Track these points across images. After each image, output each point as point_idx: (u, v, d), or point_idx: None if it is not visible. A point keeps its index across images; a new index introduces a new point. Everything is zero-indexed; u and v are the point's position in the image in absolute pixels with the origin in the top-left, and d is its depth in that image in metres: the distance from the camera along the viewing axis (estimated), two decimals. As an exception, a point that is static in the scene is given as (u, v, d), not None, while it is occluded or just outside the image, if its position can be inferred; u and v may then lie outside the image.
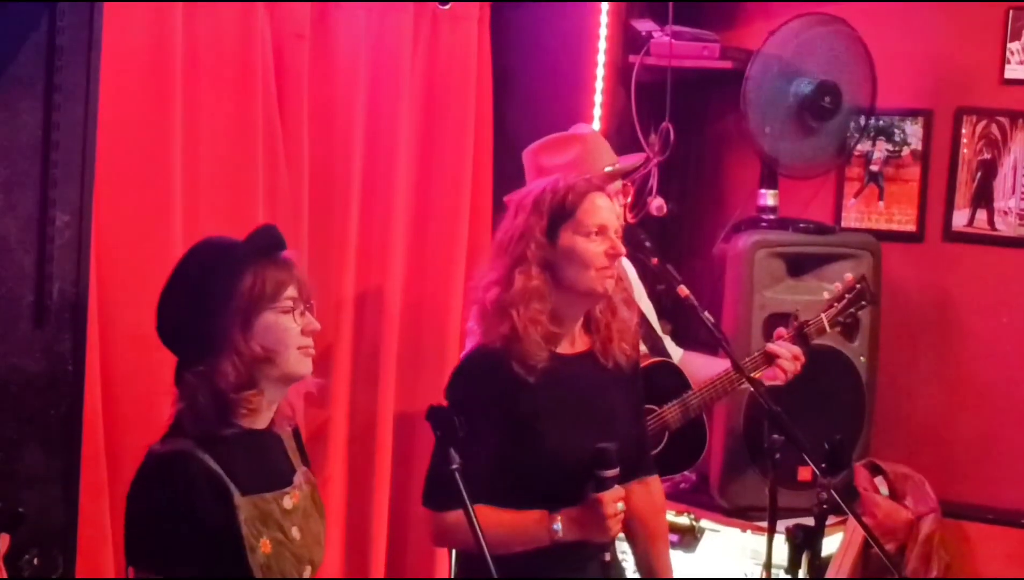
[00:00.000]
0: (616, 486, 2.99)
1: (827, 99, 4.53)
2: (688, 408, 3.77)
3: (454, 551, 3.26)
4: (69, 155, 2.98)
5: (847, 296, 3.86)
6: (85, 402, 3.08)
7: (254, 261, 2.55)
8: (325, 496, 4.04)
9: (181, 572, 2.46)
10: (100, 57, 3.04)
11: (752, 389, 3.49)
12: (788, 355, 3.72)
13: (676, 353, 3.96)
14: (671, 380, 3.80)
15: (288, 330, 2.56)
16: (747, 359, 3.75)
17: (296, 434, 2.77)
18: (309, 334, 2.60)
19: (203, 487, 2.47)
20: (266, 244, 2.60)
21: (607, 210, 3.03)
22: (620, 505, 3.00)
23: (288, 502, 2.62)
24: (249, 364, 2.52)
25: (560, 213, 3.00)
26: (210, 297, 2.52)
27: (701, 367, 3.87)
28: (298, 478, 2.69)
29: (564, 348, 3.07)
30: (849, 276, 3.93)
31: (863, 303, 3.89)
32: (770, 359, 3.74)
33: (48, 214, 2.93)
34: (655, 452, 3.71)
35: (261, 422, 2.61)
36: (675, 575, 4.25)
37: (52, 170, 2.95)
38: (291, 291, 2.57)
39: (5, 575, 2.66)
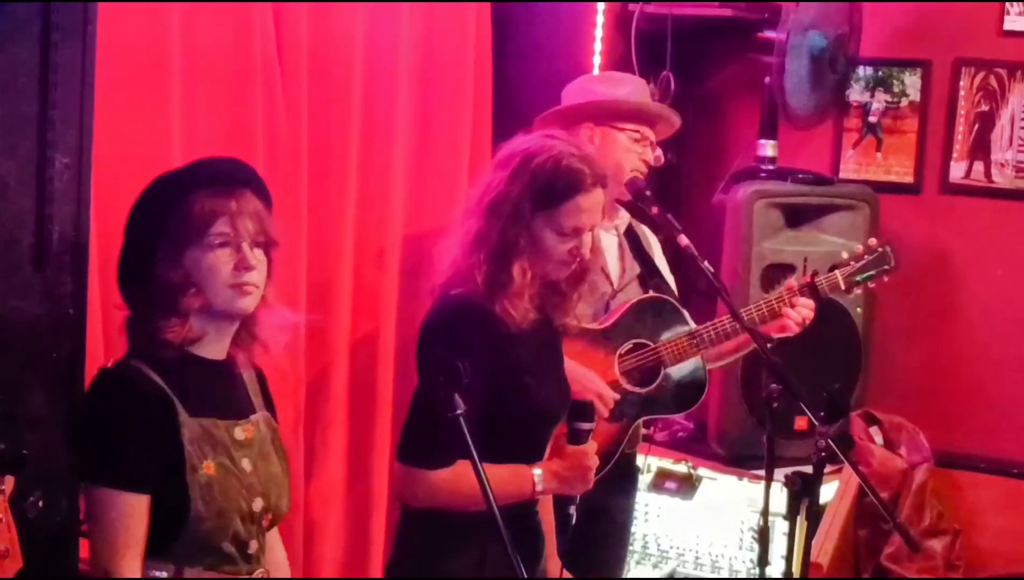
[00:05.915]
0: (591, 440, 3.00)
1: (844, 51, 4.53)
2: (682, 348, 3.71)
3: (404, 514, 3.10)
4: (68, 96, 2.93)
5: (867, 257, 3.82)
6: (87, 345, 3.07)
7: (189, 193, 2.58)
8: (327, 440, 4.07)
9: (129, 485, 2.51)
10: (98, -5, 3.01)
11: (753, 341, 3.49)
12: (795, 314, 3.71)
13: None
14: (669, 318, 3.77)
15: (214, 266, 2.57)
16: (753, 308, 3.74)
17: (261, 378, 2.80)
18: (243, 271, 2.59)
19: (149, 401, 2.53)
20: (207, 175, 2.62)
21: (588, 213, 2.96)
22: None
23: (240, 433, 2.64)
24: (172, 294, 2.56)
25: (545, 196, 2.94)
26: (142, 228, 2.62)
27: None
28: (256, 416, 2.71)
29: None
30: (873, 240, 3.89)
31: (885, 267, 3.84)
32: (775, 313, 3.73)
33: (47, 156, 2.89)
34: (650, 389, 3.72)
35: (212, 352, 2.65)
36: (668, 523, 4.31)
37: (51, 111, 2.90)
38: (221, 226, 2.57)
39: (11, 517, 2.65)
